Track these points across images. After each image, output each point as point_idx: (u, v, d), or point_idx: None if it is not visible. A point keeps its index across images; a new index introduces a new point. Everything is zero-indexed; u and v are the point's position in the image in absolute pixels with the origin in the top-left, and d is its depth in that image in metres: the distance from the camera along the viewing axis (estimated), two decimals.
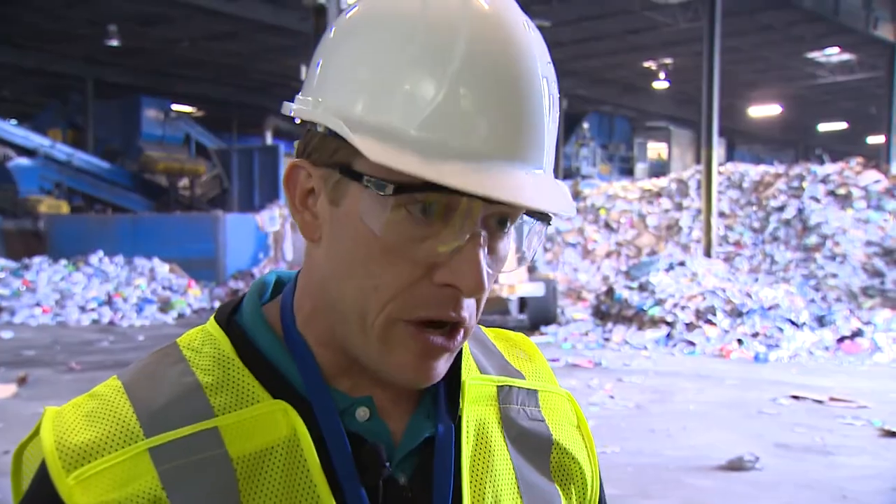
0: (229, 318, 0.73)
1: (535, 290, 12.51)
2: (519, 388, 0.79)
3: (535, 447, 0.77)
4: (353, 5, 0.68)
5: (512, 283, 12.19)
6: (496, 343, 0.84)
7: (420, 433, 0.71)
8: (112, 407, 0.66)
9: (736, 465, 5.39)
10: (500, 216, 0.65)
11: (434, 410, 0.73)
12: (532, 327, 12.77)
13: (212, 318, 0.74)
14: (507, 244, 0.67)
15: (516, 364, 0.82)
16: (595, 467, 0.83)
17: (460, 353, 0.76)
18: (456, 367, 0.75)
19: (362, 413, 0.69)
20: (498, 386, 0.78)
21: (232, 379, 0.68)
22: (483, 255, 0.63)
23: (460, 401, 0.74)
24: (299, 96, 0.70)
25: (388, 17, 0.63)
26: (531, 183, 0.61)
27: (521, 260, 0.70)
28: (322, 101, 0.65)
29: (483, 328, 0.86)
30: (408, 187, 0.61)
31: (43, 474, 0.64)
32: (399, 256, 0.63)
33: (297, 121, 0.70)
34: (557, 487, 0.78)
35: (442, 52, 0.60)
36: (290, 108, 0.70)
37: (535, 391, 0.81)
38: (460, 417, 0.73)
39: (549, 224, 0.68)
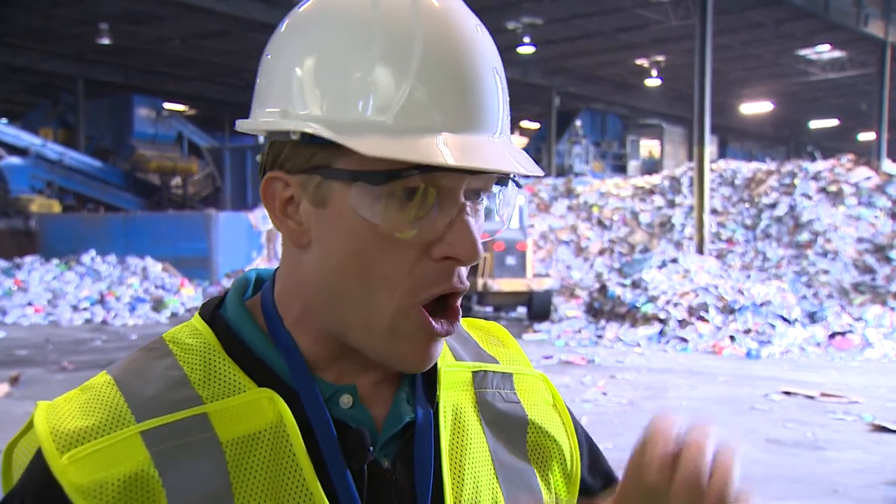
0: (213, 312, 0.74)
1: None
2: (494, 372, 0.82)
3: (511, 429, 0.80)
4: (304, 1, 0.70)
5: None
6: (470, 331, 0.87)
7: (401, 418, 0.73)
8: (103, 396, 0.67)
9: None
10: (475, 189, 0.69)
11: (413, 396, 0.75)
12: (535, 318, 13.11)
13: (196, 313, 0.75)
14: (482, 214, 0.71)
15: (490, 350, 0.85)
16: (573, 440, 0.85)
17: None
18: None
19: (346, 400, 0.71)
20: (473, 371, 0.81)
21: (218, 371, 0.70)
22: (473, 223, 0.67)
23: (437, 387, 0.76)
24: (257, 109, 0.71)
25: (341, 16, 0.66)
26: (504, 153, 0.67)
27: (497, 222, 0.75)
28: (289, 110, 0.67)
29: None
30: (397, 174, 0.64)
31: (37, 459, 0.65)
32: (396, 242, 0.66)
33: (241, 128, 0.72)
34: (533, 466, 0.80)
35: (403, 51, 0.64)
36: (245, 126, 0.72)
37: (510, 374, 0.83)
38: (438, 403, 0.76)
39: (521, 188, 0.73)
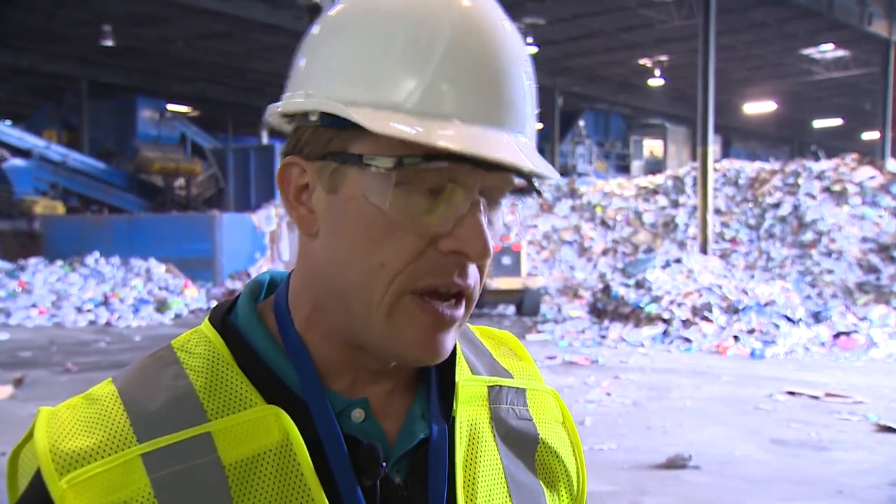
0: (224, 318, 0.72)
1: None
2: (508, 387, 0.81)
3: (522, 445, 0.79)
4: (336, 3, 0.70)
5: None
6: (483, 341, 0.85)
7: (415, 434, 0.71)
8: (106, 412, 0.66)
9: (672, 463, 5.39)
10: (493, 190, 0.67)
11: (427, 411, 0.73)
12: (525, 315, 13.94)
13: (206, 318, 0.73)
14: (501, 217, 0.70)
15: (503, 362, 0.84)
16: (581, 463, 0.84)
17: (454, 353, 0.76)
18: (450, 368, 0.76)
19: (357, 414, 0.70)
20: (489, 386, 0.79)
21: (226, 382, 0.68)
22: (485, 221, 0.66)
23: (454, 402, 0.74)
24: (286, 94, 0.71)
25: (372, 13, 0.66)
26: (523, 151, 0.65)
27: (510, 230, 0.73)
28: (313, 93, 0.67)
29: (470, 326, 0.86)
30: (411, 160, 0.63)
31: (38, 477, 0.64)
32: (404, 231, 0.64)
33: (269, 115, 0.71)
34: (542, 484, 0.79)
35: (428, 39, 0.64)
36: (275, 109, 0.71)
37: (524, 390, 0.82)
38: (454, 418, 0.74)
39: (540, 196, 0.71)
